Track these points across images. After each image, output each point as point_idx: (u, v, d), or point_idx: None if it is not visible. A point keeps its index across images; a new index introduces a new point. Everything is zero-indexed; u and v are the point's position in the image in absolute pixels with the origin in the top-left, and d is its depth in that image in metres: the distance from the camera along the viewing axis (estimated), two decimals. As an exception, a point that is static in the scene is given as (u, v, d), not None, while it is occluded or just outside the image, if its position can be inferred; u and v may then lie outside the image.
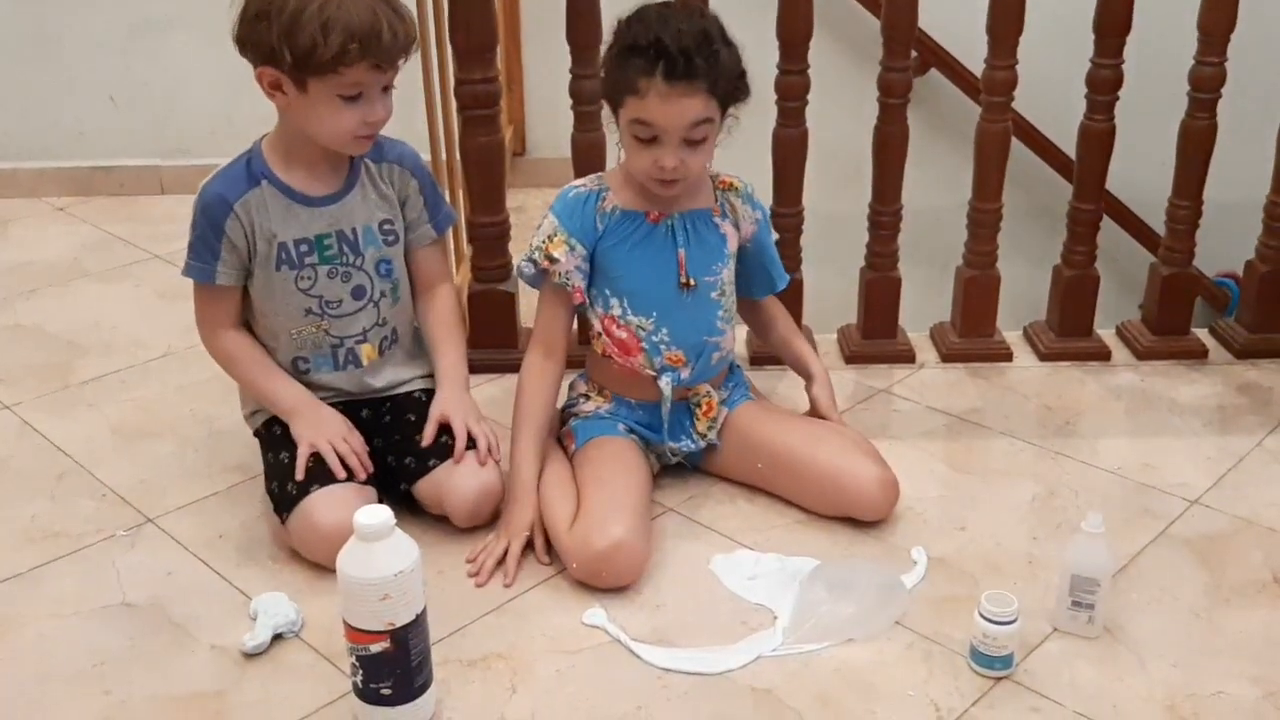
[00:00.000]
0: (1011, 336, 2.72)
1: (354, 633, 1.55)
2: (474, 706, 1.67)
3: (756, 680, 1.72)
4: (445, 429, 2.02)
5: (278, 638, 1.79)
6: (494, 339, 2.56)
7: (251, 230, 1.94)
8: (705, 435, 2.13)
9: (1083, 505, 2.11)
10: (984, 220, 2.58)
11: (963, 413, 2.44)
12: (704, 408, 2.11)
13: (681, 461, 2.16)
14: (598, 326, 2.08)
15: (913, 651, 1.77)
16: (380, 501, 1.97)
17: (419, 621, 1.57)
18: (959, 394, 2.52)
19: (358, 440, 1.99)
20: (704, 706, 1.67)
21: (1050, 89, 3.02)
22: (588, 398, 2.14)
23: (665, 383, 2.05)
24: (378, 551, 1.52)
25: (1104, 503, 2.12)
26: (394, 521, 1.54)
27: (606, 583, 1.87)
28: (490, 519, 2.02)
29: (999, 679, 1.71)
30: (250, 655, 1.76)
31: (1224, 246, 3.02)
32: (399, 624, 1.54)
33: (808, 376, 2.23)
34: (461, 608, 1.85)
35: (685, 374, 2.07)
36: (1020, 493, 2.16)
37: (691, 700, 1.68)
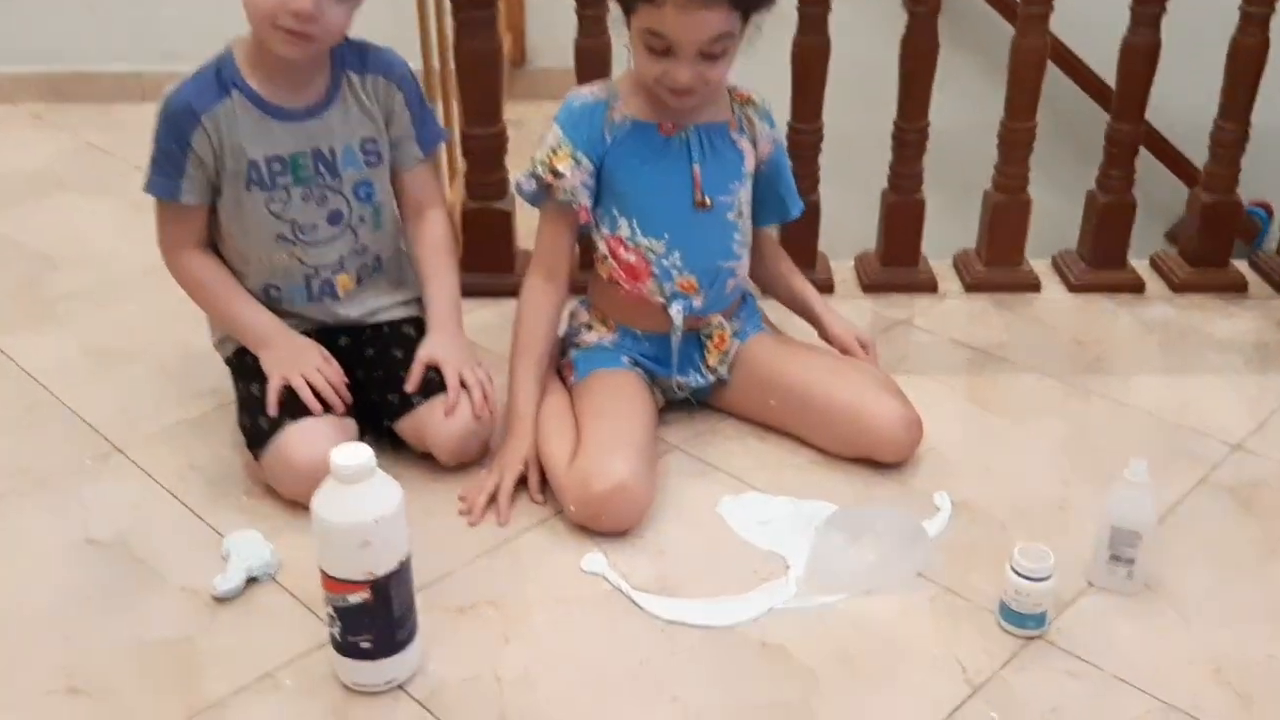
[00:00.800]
0: (1039, 266, 2.56)
1: (331, 582, 1.42)
2: (463, 658, 1.54)
3: (768, 634, 1.58)
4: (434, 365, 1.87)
5: (252, 581, 1.65)
6: (489, 261, 2.39)
7: (220, 145, 1.76)
8: (715, 370, 1.98)
9: (1116, 447, 1.96)
10: (1016, 140, 2.41)
11: (988, 346, 2.29)
12: (715, 340, 1.96)
13: (688, 397, 2.01)
14: (603, 249, 1.91)
15: (937, 606, 1.64)
16: (361, 436, 1.83)
17: (402, 570, 1.43)
18: (984, 326, 2.36)
19: (334, 371, 1.83)
20: (711, 662, 1.54)
21: (1084, 6, 2.81)
22: (590, 328, 1.98)
23: (676, 311, 1.89)
24: (356, 494, 1.38)
25: (1139, 446, 1.97)
26: (374, 462, 1.39)
27: (606, 527, 1.73)
28: (479, 457, 1.88)
29: (1030, 638, 1.58)
30: (222, 599, 1.62)
31: (1256, 174, 2.83)
32: (380, 573, 1.40)
33: (813, 317, 2.06)
34: (451, 550, 1.72)
35: (698, 302, 1.91)
36: (1050, 433, 2.02)
37: (698, 655, 1.55)
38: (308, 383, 1.79)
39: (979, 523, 1.80)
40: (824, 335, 2.05)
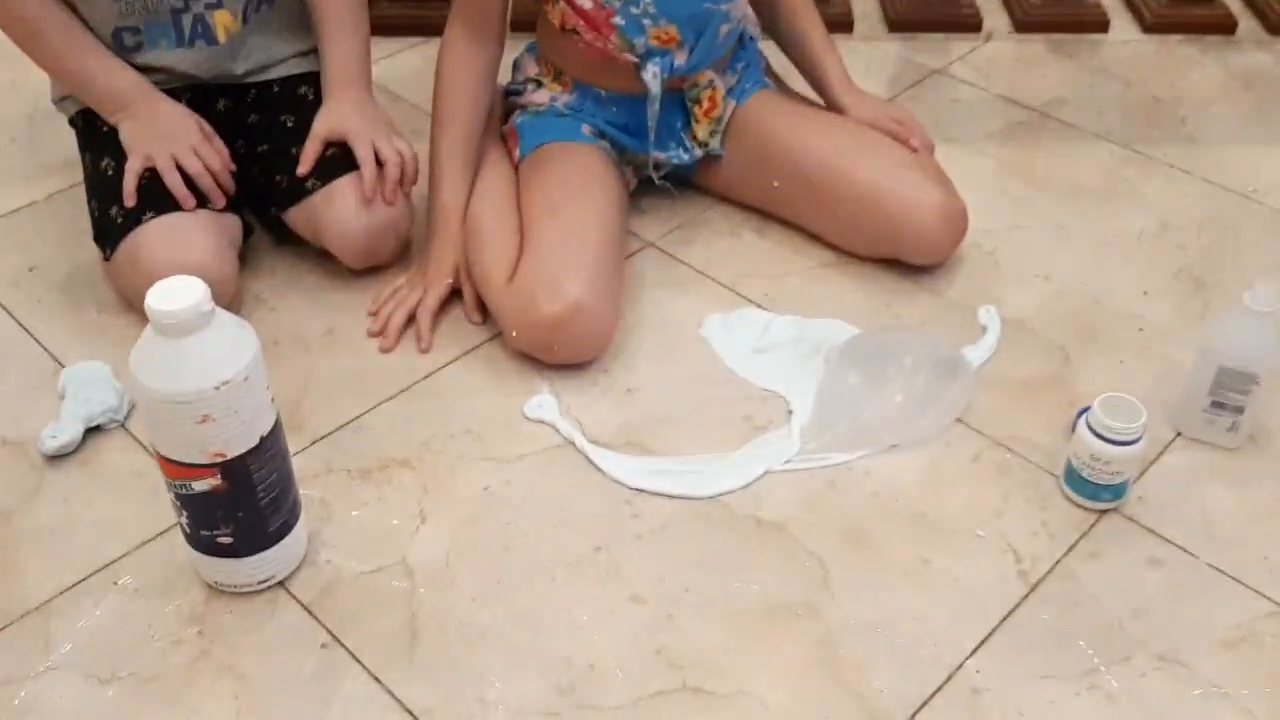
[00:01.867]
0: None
1: (167, 464, 1.04)
2: (365, 544, 1.18)
3: (763, 508, 1.22)
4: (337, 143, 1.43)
5: (93, 430, 1.28)
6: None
7: None
8: (705, 143, 1.54)
9: (1209, 245, 1.56)
10: None
11: (1043, 104, 1.84)
12: (705, 105, 1.51)
13: (667, 177, 1.58)
14: (549, -16, 1.44)
15: (982, 466, 1.27)
16: (247, 232, 1.43)
17: (265, 447, 1.05)
18: (1038, 77, 1.91)
19: (216, 152, 1.41)
20: (689, 547, 1.19)
21: None
22: (539, 84, 1.53)
23: (651, 74, 1.44)
24: (186, 351, 0.98)
25: (1236, 240, 1.57)
26: (210, 304, 0.98)
27: (559, 357, 1.35)
28: (395, 258, 1.48)
29: (1103, 512, 1.22)
30: (52, 457, 1.25)
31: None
32: (231, 454, 1.02)
33: (829, 98, 1.58)
34: (354, 388, 1.34)
35: (680, 59, 1.45)
36: (1123, 223, 1.60)
37: (671, 537, 1.20)
38: (179, 166, 1.37)
39: (1036, 349, 1.41)
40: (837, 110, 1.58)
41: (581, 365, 1.36)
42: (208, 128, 1.43)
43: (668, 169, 1.56)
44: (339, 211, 1.41)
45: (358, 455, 1.27)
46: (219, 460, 1.02)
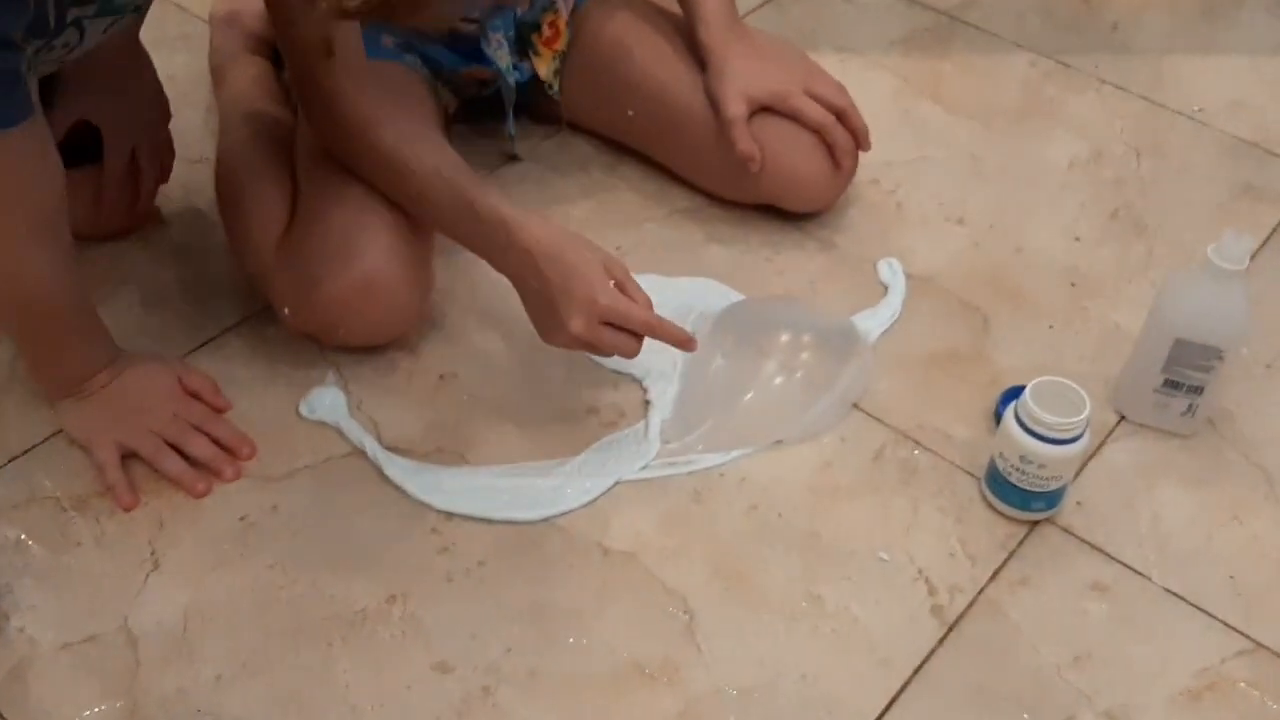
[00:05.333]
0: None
1: None
2: (71, 602, 0.94)
3: (612, 533, 1.00)
4: None
5: None
6: None
7: None
8: (550, 83, 1.29)
9: (1149, 177, 1.37)
10: None
11: (952, 7, 1.62)
12: (545, 33, 1.27)
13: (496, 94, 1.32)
14: None
15: (884, 467, 1.07)
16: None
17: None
18: (945, -26, 1.68)
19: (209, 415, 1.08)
20: (513, 590, 0.96)
21: None
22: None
23: (496, 44, 1.22)
24: None
25: (1181, 172, 1.38)
26: None
27: (349, 339, 1.10)
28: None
29: (1034, 523, 1.02)
30: None
31: None
32: None
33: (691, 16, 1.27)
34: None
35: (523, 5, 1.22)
36: (1049, 153, 1.40)
37: (491, 578, 0.97)
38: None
39: (948, 313, 1.20)
40: (709, 95, 1.26)
41: (378, 349, 1.11)
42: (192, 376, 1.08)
43: (495, 90, 1.30)
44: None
45: (70, 477, 1.01)
46: None
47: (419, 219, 1.09)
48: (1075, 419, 0.97)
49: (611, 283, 1.01)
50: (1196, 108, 1.46)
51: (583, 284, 0.99)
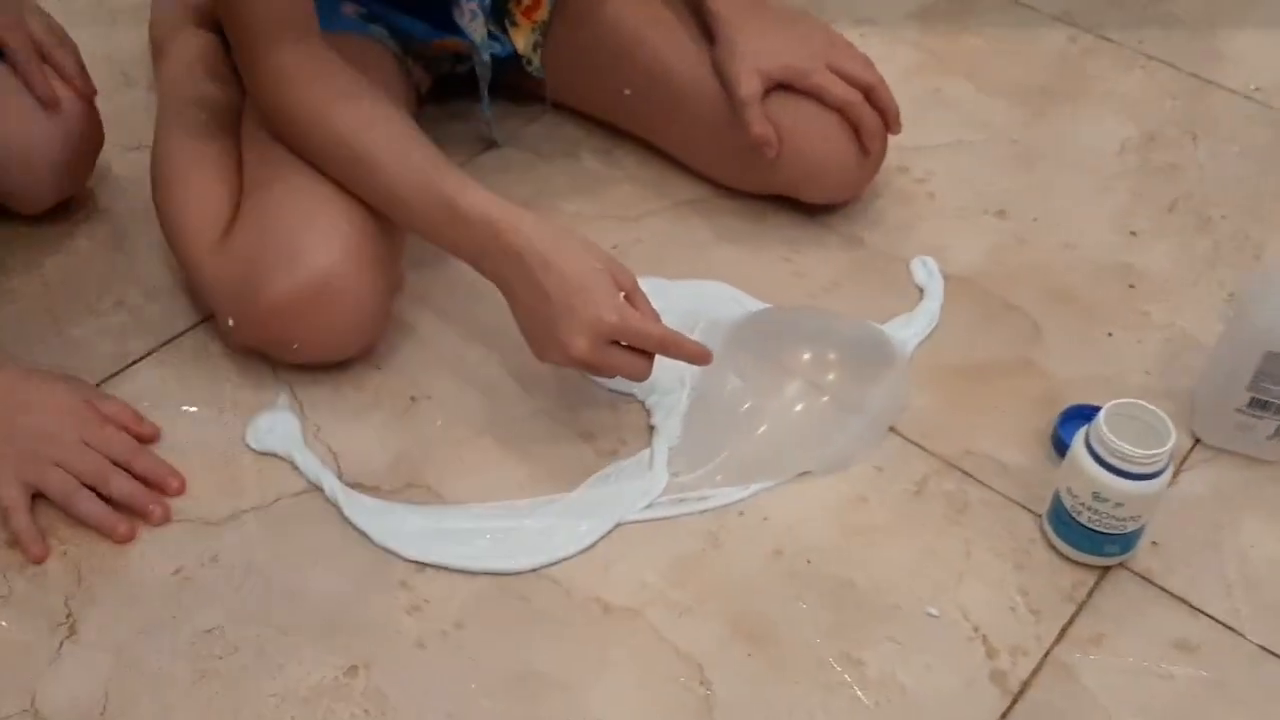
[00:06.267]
0: None
1: None
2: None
3: (612, 584, 0.86)
4: None
5: None
6: None
7: None
8: (529, 58, 1.15)
9: (1209, 163, 1.24)
10: None
11: (980, -26, 1.47)
12: (524, 1, 1.12)
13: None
14: None
15: (928, 503, 0.92)
16: None
17: None
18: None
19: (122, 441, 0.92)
20: (496, 656, 0.82)
21: None
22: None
23: (470, 14, 1.07)
24: None
25: (1243, 157, 1.24)
26: None
27: (304, 355, 0.95)
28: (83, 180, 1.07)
29: (1105, 568, 0.88)
30: None
31: None
32: None
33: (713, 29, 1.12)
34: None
35: None
36: (1096, 136, 1.26)
37: (470, 643, 0.83)
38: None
39: (992, 319, 1.06)
40: (719, 71, 1.11)
41: (338, 366, 0.97)
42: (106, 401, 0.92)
43: (472, 65, 1.15)
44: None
45: (-21, 526, 0.86)
46: None
47: (386, 215, 0.95)
48: (1158, 450, 0.83)
49: (621, 295, 0.86)
50: (1254, 86, 1.32)
51: (587, 299, 0.85)
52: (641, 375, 0.89)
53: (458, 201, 0.89)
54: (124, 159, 1.14)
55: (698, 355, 0.89)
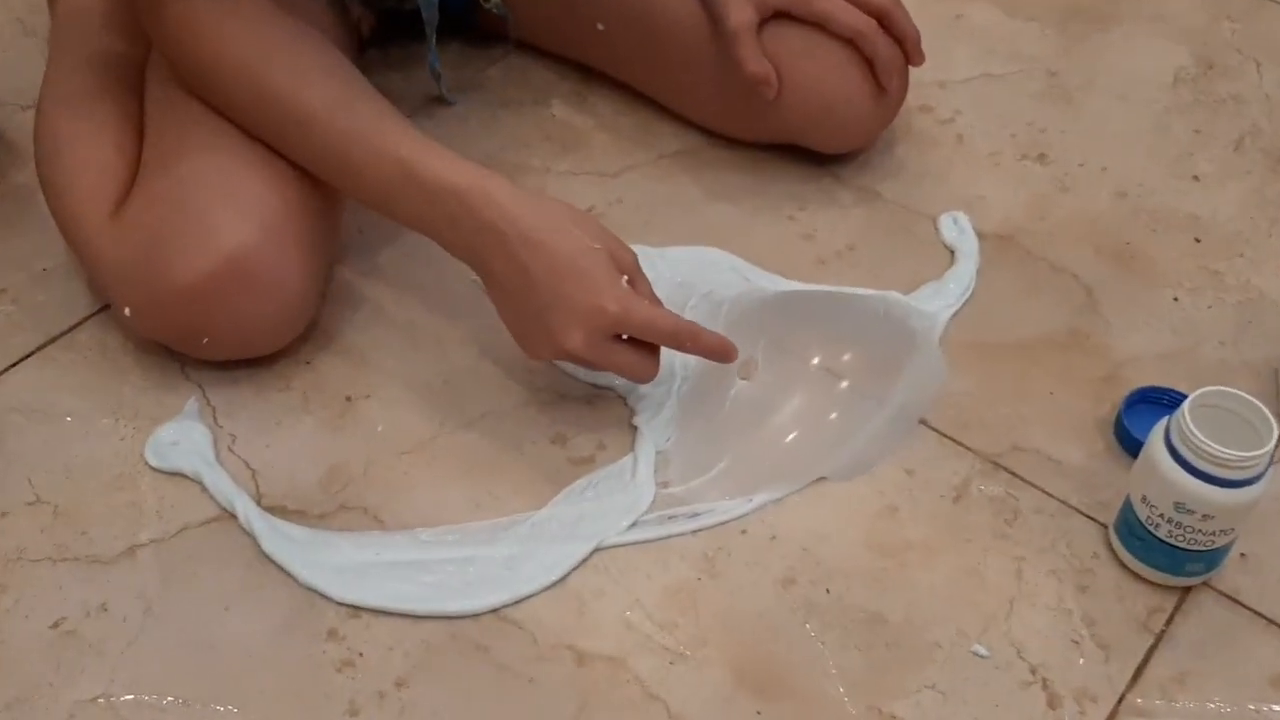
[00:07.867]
0: None
1: None
2: None
3: (588, 627, 0.71)
4: None
5: None
6: None
7: None
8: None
9: (1277, 94, 1.06)
10: None
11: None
12: None
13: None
14: None
15: (970, 510, 0.77)
16: None
17: None
18: None
19: None
20: (450, 720, 0.67)
21: None
22: None
23: None
24: None
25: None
26: None
27: (215, 350, 0.80)
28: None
29: (1186, 589, 0.73)
30: None
31: None
32: None
33: None
34: None
35: None
36: (1146, 65, 1.11)
37: (417, 706, 0.67)
38: None
39: (1036, 282, 0.91)
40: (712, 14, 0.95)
41: (259, 362, 0.81)
42: None
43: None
44: None
45: None
46: None
47: (327, 184, 0.79)
48: (1258, 452, 0.67)
49: (624, 279, 0.72)
50: (1324, 2, 1.16)
51: (582, 284, 0.71)
52: (647, 376, 0.75)
53: (416, 167, 0.74)
54: (15, 120, 0.98)
55: (719, 349, 0.75)
